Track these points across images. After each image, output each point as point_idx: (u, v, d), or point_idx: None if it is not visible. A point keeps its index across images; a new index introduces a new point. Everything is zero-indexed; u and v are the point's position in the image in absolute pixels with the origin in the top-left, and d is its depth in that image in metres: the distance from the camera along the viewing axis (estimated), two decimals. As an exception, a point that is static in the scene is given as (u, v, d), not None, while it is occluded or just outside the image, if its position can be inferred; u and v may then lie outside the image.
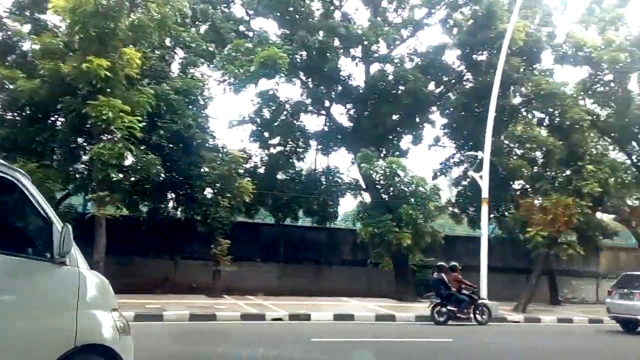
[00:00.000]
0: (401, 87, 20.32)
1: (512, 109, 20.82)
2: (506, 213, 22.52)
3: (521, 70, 18.96)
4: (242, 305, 15.04)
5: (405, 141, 23.30)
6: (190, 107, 17.04)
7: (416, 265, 21.58)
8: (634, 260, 25.22)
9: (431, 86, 21.67)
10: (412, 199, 19.14)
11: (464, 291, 14.78)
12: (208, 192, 17.84)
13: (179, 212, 19.78)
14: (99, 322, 4.35)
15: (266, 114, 22.26)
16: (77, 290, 4.19)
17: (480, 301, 15.03)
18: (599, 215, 23.42)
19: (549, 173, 19.72)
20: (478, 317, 14.68)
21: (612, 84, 19.72)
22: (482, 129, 18.38)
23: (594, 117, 19.81)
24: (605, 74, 19.25)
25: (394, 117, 22.31)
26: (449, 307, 14.30)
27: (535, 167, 21.84)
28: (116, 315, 4.52)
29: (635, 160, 20.51)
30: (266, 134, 22.35)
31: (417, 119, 22.80)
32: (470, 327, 14.33)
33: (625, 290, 14.63)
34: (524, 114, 20.96)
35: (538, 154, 22.99)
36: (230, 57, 17.16)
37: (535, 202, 19.55)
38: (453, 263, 15.49)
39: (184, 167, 17.31)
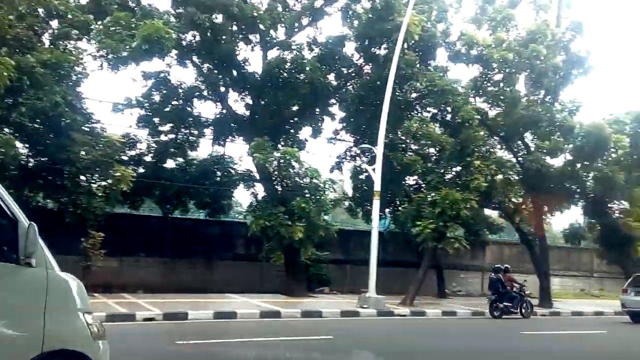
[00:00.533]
0: (299, 76, 19.71)
1: (408, 104, 20.91)
2: (400, 208, 22.72)
3: (417, 65, 18.97)
4: (112, 304, 13.60)
5: (305, 133, 22.74)
6: (62, 83, 15.21)
7: (310, 260, 21.17)
8: (517, 254, 26.59)
9: (331, 78, 21.23)
10: (307, 192, 18.63)
11: (514, 289, 17.07)
12: (82, 179, 16.08)
13: (50, 202, 17.83)
14: (70, 326, 4.14)
15: (156, 97, 20.71)
16: (44, 293, 3.99)
17: (526, 297, 17.26)
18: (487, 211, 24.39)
19: (438, 169, 19.97)
20: (523, 311, 16.95)
21: (501, 84, 20.34)
22: (379, 123, 18.20)
23: (483, 115, 20.35)
24: (495, 73, 19.82)
25: (294, 107, 21.65)
26: (504, 304, 16.60)
27: (429, 163, 22.25)
28: (90, 318, 4.26)
29: (520, 159, 21.37)
30: (156, 120, 20.80)
31: (317, 111, 22.29)
32: (372, 322, 14.04)
33: None
34: (419, 109, 21.10)
35: (432, 150, 23.52)
36: (109, 30, 15.52)
37: (429, 197, 19.77)
38: (506, 265, 18.26)
39: (52, 151, 15.44)
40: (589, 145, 19.79)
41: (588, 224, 23.83)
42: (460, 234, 19.17)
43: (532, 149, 21.20)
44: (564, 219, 49.66)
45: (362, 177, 23.12)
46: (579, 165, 20.71)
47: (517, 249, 26.39)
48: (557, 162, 21.23)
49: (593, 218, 23.05)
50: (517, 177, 21.76)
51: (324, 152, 52.95)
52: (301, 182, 18.62)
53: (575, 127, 19.90)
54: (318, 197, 18.69)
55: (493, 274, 17.34)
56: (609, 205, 22.42)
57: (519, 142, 21.40)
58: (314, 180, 18.58)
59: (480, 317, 16.99)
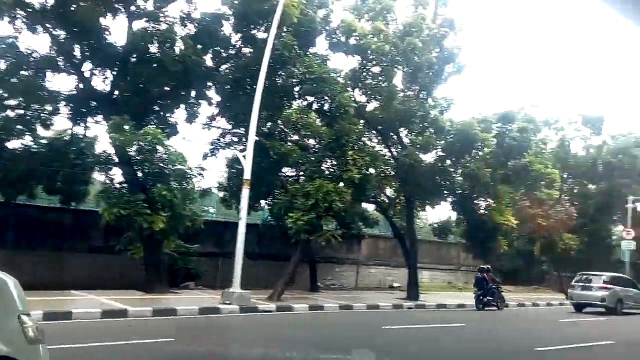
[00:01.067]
0: (169, 53, 18.08)
1: (287, 91, 20.12)
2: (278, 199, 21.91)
3: (295, 49, 18.18)
4: None
5: (179, 117, 21.07)
6: None
7: (178, 253, 19.68)
8: (391, 248, 27.03)
9: (207, 59, 19.83)
10: (173, 179, 17.12)
11: (493, 286, 20.09)
12: None
13: None
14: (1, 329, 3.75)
15: (2, 66, 17.95)
16: None
17: (501, 293, 20.42)
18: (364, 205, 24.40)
19: (314, 159, 19.41)
20: (499, 304, 19.98)
21: (380, 78, 20.26)
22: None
23: (361, 108, 20.16)
24: (374, 65, 19.67)
25: (165, 88, 19.90)
26: (488, 298, 19.73)
27: (308, 154, 21.66)
28: (26, 320, 3.92)
29: (394, 154, 21.50)
30: (1, 92, 18.03)
31: (193, 94, 20.75)
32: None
33: (586, 284, 21.20)
34: (298, 97, 20.37)
35: (312, 141, 22.97)
36: None
37: (304, 189, 19.15)
38: (488, 266, 21.10)
39: None
40: (459, 143, 20.39)
41: (457, 220, 24.73)
42: (333, 226, 18.77)
43: (407, 144, 21.42)
44: (441, 215, 52.32)
45: (238, 166, 21.98)
46: (449, 162, 21.26)
47: (391, 243, 26.79)
48: (430, 158, 21.66)
49: (461, 214, 23.91)
50: (391, 172, 21.89)
51: (203, 139, 50.67)
52: (166, 168, 17.04)
53: (447, 124, 20.36)
54: (184, 185, 17.28)
55: (479, 274, 20.26)
56: (476, 201, 23.38)
57: (395, 137, 21.53)
58: (180, 167, 17.09)
59: (349, 311, 16.67)
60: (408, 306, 19.00)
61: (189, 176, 17.47)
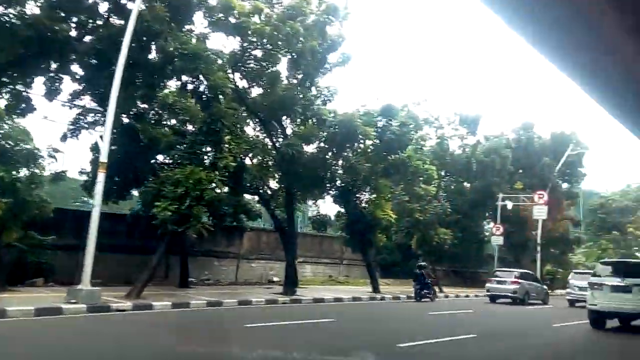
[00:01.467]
0: (18, 14, 15.76)
1: (160, 69, 18.45)
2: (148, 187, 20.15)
3: (167, 20, 16.62)
4: None
5: (36, 92, 18.56)
6: None
7: (28, 245, 17.31)
8: (274, 241, 26.21)
9: (68, 28, 17.61)
10: (16, 160, 14.91)
11: (429, 280, 22.94)
12: None
13: None
14: None
15: None
16: None
17: (433, 287, 23.44)
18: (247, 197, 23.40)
19: (187, 143, 18.00)
20: (432, 297, 22.82)
21: (262, 62, 19.31)
22: (122, 86, 15.49)
23: (243, 93, 19.09)
24: (255, 48, 18.68)
25: (14, 57, 17.34)
26: (424, 291, 22.49)
27: (185, 140, 20.15)
28: None
29: (276, 143, 20.67)
30: None
31: (54, 67, 18.36)
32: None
33: (501, 279, 24.38)
34: (171, 75, 18.76)
35: (190, 127, 21.48)
36: None
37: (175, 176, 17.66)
38: (425, 263, 24.38)
39: None
40: (340, 134, 20.04)
41: (337, 213, 24.54)
42: (204, 217, 17.53)
43: (289, 134, 20.70)
44: (331, 208, 52.60)
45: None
46: (330, 154, 20.87)
47: (274, 236, 25.97)
48: (311, 149, 21.12)
49: (342, 206, 23.72)
50: (273, 162, 21.07)
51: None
52: (7, 147, 14.78)
53: (329, 115, 19.93)
54: (31, 167, 15.13)
55: (418, 270, 22.85)
56: (357, 195, 23.27)
57: (277, 126, 20.72)
58: (26, 146, 14.92)
59: (217, 308, 15.56)
60: (283, 301, 18.27)
61: (36, 158, 15.30)
